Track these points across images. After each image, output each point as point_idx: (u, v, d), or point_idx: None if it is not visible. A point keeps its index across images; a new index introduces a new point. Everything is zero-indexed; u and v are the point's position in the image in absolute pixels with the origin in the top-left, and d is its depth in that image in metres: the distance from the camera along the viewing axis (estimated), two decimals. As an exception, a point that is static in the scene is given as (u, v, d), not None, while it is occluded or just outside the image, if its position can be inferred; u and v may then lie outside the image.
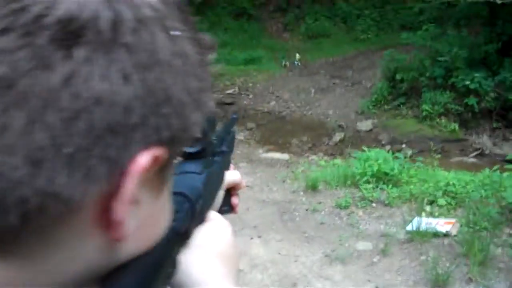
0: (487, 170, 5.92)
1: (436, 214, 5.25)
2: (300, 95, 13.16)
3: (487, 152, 8.97)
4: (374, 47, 15.23)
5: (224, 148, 0.90)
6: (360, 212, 5.48)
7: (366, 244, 4.80)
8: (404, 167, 6.29)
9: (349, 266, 4.45)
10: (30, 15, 0.35)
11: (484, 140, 9.34)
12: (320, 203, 5.78)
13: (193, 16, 0.46)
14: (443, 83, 10.00)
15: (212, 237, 0.70)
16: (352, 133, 10.45)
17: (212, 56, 0.51)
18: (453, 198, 5.50)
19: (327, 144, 9.95)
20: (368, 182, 5.97)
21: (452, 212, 5.32)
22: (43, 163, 0.35)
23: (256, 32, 18.50)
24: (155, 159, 0.40)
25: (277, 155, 8.88)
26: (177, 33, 0.41)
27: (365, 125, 10.77)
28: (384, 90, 10.99)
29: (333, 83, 13.42)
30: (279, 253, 4.74)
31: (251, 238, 5.04)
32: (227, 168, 0.97)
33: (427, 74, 10.16)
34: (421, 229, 4.80)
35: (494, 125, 9.70)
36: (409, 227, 4.94)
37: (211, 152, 0.83)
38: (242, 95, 13.93)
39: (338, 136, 10.22)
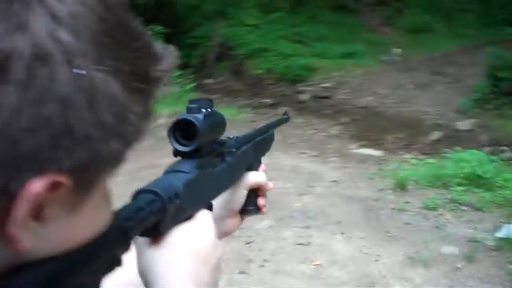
0: None
1: (531, 221, 4.99)
2: (398, 91, 12.86)
3: None
4: (477, 43, 14.60)
5: (234, 151, 0.91)
6: (448, 215, 5.29)
7: (451, 248, 4.63)
8: (500, 171, 6.00)
9: (432, 270, 4.32)
10: None
11: None
12: (407, 202, 5.64)
13: (133, 48, 0.48)
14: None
15: (189, 236, 0.71)
16: (450, 132, 10.08)
17: (167, 77, 0.53)
18: (551, 206, 5.20)
19: (423, 142, 9.65)
20: (459, 184, 5.75)
21: (549, 221, 5.03)
22: None
23: (355, 26, 18.25)
24: (54, 185, 0.42)
25: (369, 151, 8.72)
26: (82, 71, 0.42)
27: (464, 124, 10.36)
28: (486, 89, 10.51)
29: (433, 80, 13.00)
30: (361, 251, 4.68)
31: (334, 234, 5.00)
32: (246, 168, 0.99)
33: (534, 73, 9.62)
34: (512, 237, 4.59)
35: None
36: (499, 234, 4.72)
37: (216, 153, 0.85)
38: (338, 89, 13.81)
39: (435, 135, 9.90)
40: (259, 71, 15.71)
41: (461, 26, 16.64)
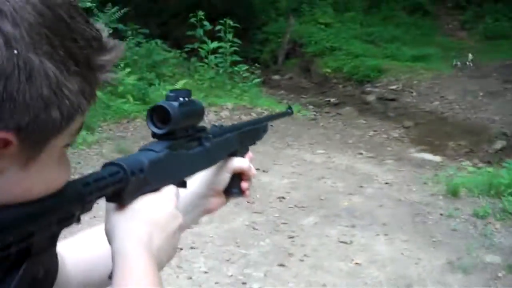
0: None
1: None
2: (467, 97, 12.56)
3: None
4: (554, 53, 14.04)
5: (210, 136, 1.03)
6: (498, 225, 5.21)
7: (495, 257, 4.57)
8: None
9: (471, 277, 4.29)
10: None
11: None
12: (457, 209, 5.58)
13: (71, 39, 0.62)
14: None
15: (149, 205, 0.82)
16: (515, 143, 9.82)
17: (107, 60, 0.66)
18: None
19: (486, 151, 9.42)
20: (513, 194, 5.65)
21: None
22: None
23: (429, 29, 17.90)
24: (2, 141, 0.57)
25: (428, 156, 8.62)
26: (16, 51, 0.56)
27: (532, 135, 10.04)
28: (559, 100, 10.13)
29: (505, 88, 12.59)
30: (402, 253, 4.70)
31: (377, 235, 5.04)
32: (231, 154, 1.12)
33: None
34: (561, 251, 4.48)
35: None
36: (547, 247, 4.63)
37: (192, 137, 0.97)
38: (406, 92, 13.62)
39: (499, 144, 9.63)
40: (327, 70, 15.70)
41: (540, 34, 16.04)
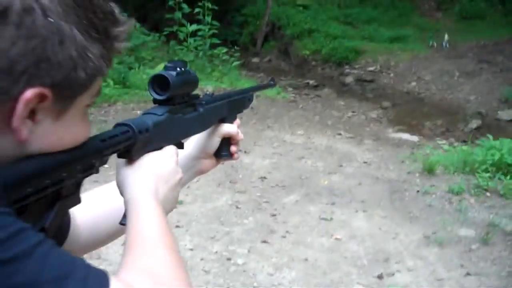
0: None
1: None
2: (443, 78, 12.78)
3: None
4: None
5: (204, 103, 1.15)
6: (472, 200, 5.41)
7: (469, 231, 4.77)
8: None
9: (446, 250, 4.48)
10: None
11: None
12: (432, 186, 5.77)
13: (93, 11, 0.74)
14: None
15: (155, 161, 0.95)
16: (491, 122, 10.05)
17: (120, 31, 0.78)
18: None
19: (462, 130, 9.66)
20: (486, 170, 5.84)
21: None
22: None
23: (406, 10, 18.07)
24: (40, 95, 0.69)
25: (406, 136, 8.82)
26: (51, 19, 0.68)
27: (507, 114, 10.28)
28: (532, 79, 10.38)
29: (480, 68, 12.83)
30: (380, 229, 4.87)
31: (356, 211, 5.20)
32: (220, 120, 1.24)
33: None
34: (532, 224, 4.68)
35: None
36: (519, 220, 4.83)
37: (188, 103, 1.09)
38: (383, 73, 13.81)
39: (475, 123, 9.87)
40: (306, 52, 15.80)
41: (515, 14, 16.30)
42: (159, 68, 10.98)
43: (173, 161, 0.99)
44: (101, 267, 0.68)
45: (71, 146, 0.78)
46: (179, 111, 1.06)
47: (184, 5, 11.06)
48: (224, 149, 1.28)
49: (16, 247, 0.60)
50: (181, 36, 11.26)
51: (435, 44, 15.01)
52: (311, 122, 8.88)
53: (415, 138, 8.59)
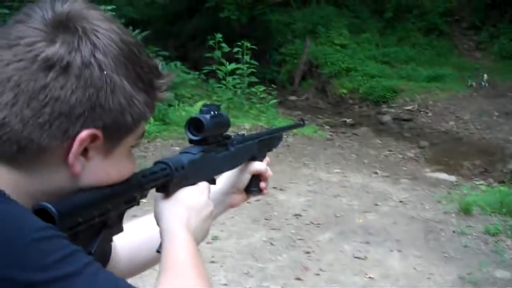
0: None
1: None
2: (482, 117, 12.69)
3: None
4: None
5: (235, 143, 1.26)
6: (509, 242, 5.35)
7: (505, 273, 4.71)
8: None
9: (481, 291, 4.44)
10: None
11: None
12: (469, 226, 5.73)
13: (139, 66, 0.86)
14: None
15: (188, 195, 1.05)
16: (531, 162, 9.91)
17: (161, 82, 0.90)
18: None
19: (501, 170, 9.52)
20: (524, 212, 5.79)
21: None
22: (27, 125, 0.77)
23: (444, 49, 18.03)
24: (93, 136, 0.81)
25: (443, 175, 8.75)
26: (105, 72, 0.80)
27: (547, 155, 10.14)
28: None
29: (520, 108, 12.72)
30: (414, 268, 4.85)
31: (391, 251, 5.20)
32: (251, 158, 1.35)
33: None
34: None
35: None
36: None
37: (221, 143, 1.20)
38: (421, 113, 13.77)
39: (514, 164, 9.74)
40: (343, 91, 15.90)
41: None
42: (198, 106, 11.18)
43: (205, 196, 1.09)
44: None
45: (117, 181, 0.90)
46: (212, 150, 1.17)
47: (224, 45, 11.31)
48: (254, 185, 1.38)
49: (70, 266, 0.71)
50: (220, 74, 11.49)
51: (474, 84, 14.92)
52: (347, 161, 8.91)
53: (452, 178, 8.51)
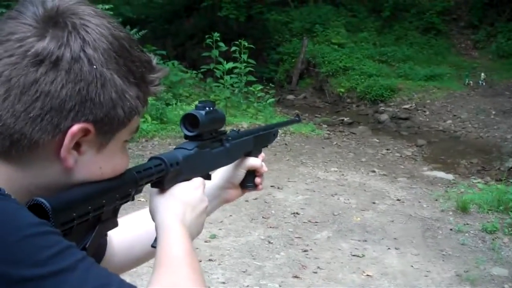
0: None
1: None
2: (479, 116, 12.71)
3: None
4: None
5: (230, 139, 1.27)
6: (506, 239, 5.36)
7: (502, 270, 4.73)
8: None
9: (478, 288, 4.46)
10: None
11: None
12: (466, 224, 5.75)
13: (130, 60, 0.86)
14: None
15: (183, 190, 1.06)
16: (528, 160, 9.93)
17: (154, 76, 0.91)
18: None
19: (498, 169, 9.55)
20: (521, 210, 5.80)
21: None
22: (19, 119, 0.78)
23: (442, 48, 18.06)
24: (84, 129, 0.81)
25: (441, 174, 8.77)
26: (95, 66, 0.81)
27: (544, 153, 10.16)
28: None
29: (517, 106, 12.74)
30: (412, 266, 4.86)
31: (388, 249, 5.21)
32: (246, 154, 1.36)
33: None
34: None
35: None
36: (554, 260, 4.77)
37: (216, 139, 1.21)
38: (419, 111, 13.79)
39: (511, 162, 9.76)
40: (341, 90, 15.91)
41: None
42: (195, 105, 11.20)
43: (200, 191, 1.10)
44: None
45: (110, 176, 0.90)
46: (207, 146, 1.18)
47: (221, 44, 11.32)
48: (249, 181, 1.39)
49: (63, 262, 0.72)
50: (218, 73, 11.50)
51: (471, 83, 14.96)
52: (345, 159, 8.93)
53: (450, 177, 8.54)
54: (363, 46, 18.10)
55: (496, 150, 10.63)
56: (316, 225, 5.74)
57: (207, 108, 1.13)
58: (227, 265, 4.72)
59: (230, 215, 5.74)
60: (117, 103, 0.84)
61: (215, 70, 11.53)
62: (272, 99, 12.21)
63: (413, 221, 5.95)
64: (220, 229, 5.36)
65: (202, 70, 12.37)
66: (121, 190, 0.93)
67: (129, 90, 0.86)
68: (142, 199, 5.06)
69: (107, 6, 8.95)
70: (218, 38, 11.33)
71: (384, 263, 4.93)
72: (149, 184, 1.03)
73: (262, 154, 1.44)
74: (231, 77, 11.60)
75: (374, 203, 6.55)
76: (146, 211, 1.12)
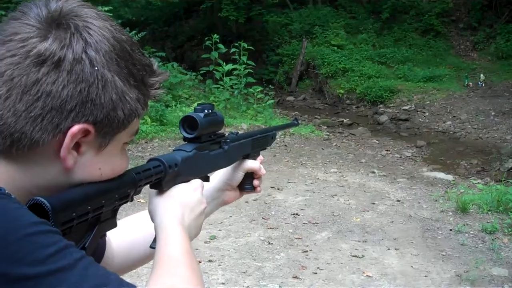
0: None
1: None
2: (479, 117, 12.74)
3: None
4: None
5: (229, 141, 1.27)
6: (505, 239, 5.36)
7: (502, 270, 4.72)
8: None
9: (478, 289, 4.45)
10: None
11: None
12: (466, 225, 5.75)
13: (131, 63, 0.87)
14: None
15: (182, 192, 1.06)
16: (528, 161, 9.94)
17: (155, 79, 0.92)
18: None
19: (498, 169, 9.56)
20: (521, 210, 5.80)
21: None
22: (20, 118, 0.78)
23: (441, 50, 18.11)
24: (84, 130, 0.82)
25: (440, 174, 8.77)
26: (96, 68, 0.82)
27: (544, 153, 10.17)
28: None
29: (516, 107, 12.76)
30: (412, 267, 4.86)
31: (388, 249, 5.21)
32: (244, 156, 1.36)
33: None
34: None
35: None
36: (554, 260, 4.77)
37: (214, 141, 1.21)
38: (418, 112, 13.82)
39: (511, 163, 9.75)
40: (341, 91, 15.95)
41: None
42: (194, 107, 11.19)
43: (199, 193, 1.10)
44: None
45: (110, 177, 0.90)
46: (206, 148, 1.18)
47: (221, 45, 11.33)
48: (247, 183, 1.40)
49: (62, 260, 0.72)
50: (217, 75, 11.51)
51: (470, 84, 14.99)
52: (344, 160, 8.93)
53: (449, 177, 8.54)
54: (363, 47, 18.14)
55: (496, 150, 10.64)
56: (316, 225, 5.74)
57: (206, 111, 1.14)
58: (227, 266, 4.72)
59: (230, 216, 5.74)
60: (117, 104, 0.85)
61: (214, 71, 11.54)
62: (272, 101, 12.23)
63: (413, 222, 5.94)
64: (220, 230, 5.36)
65: (201, 71, 12.39)
66: (120, 190, 0.93)
67: (129, 92, 0.86)
68: (141, 201, 5.08)
69: (106, 8, 8.97)
70: (218, 40, 11.35)
71: (384, 264, 4.93)
72: (148, 186, 1.03)
73: (261, 157, 1.45)
74: (230, 79, 11.62)
75: (373, 203, 6.55)
76: (145, 213, 1.13)
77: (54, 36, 0.80)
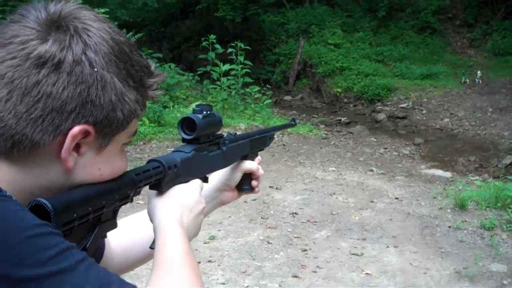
0: None
1: None
2: (476, 114, 12.76)
3: None
4: None
5: (227, 142, 1.28)
6: (504, 235, 5.38)
7: (500, 266, 4.74)
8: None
9: (477, 285, 4.46)
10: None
11: None
12: (464, 221, 5.76)
13: (130, 64, 0.88)
14: None
15: (181, 192, 1.08)
16: (526, 157, 9.96)
17: (153, 80, 0.93)
18: None
19: (496, 166, 9.58)
20: (519, 206, 5.82)
21: None
22: (20, 120, 0.79)
23: (438, 47, 18.11)
24: (84, 131, 0.83)
25: (438, 172, 8.78)
26: (96, 69, 0.83)
27: (541, 149, 10.19)
28: None
29: (513, 104, 12.78)
30: (411, 264, 4.88)
31: (387, 247, 5.22)
32: (242, 157, 1.38)
33: None
34: None
35: None
36: (552, 256, 4.78)
37: (213, 142, 1.22)
38: (416, 110, 13.83)
39: (509, 159, 9.77)
40: (338, 90, 15.95)
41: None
42: (192, 107, 11.22)
43: (197, 193, 1.11)
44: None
45: (109, 178, 0.92)
46: (205, 149, 1.19)
47: (217, 46, 11.33)
48: (246, 183, 1.41)
49: (64, 262, 0.73)
50: (214, 75, 11.51)
51: (467, 81, 15.00)
52: (342, 159, 8.95)
53: (448, 174, 8.55)
54: (359, 46, 18.14)
55: (493, 147, 10.67)
56: (315, 224, 5.75)
57: (204, 112, 1.15)
58: (226, 266, 4.73)
59: (229, 216, 5.76)
60: (117, 105, 0.86)
61: (211, 72, 11.54)
62: (269, 100, 12.24)
63: (411, 219, 5.96)
64: (219, 230, 5.37)
65: (198, 72, 12.38)
66: (120, 191, 0.94)
67: (128, 93, 0.87)
68: (140, 202, 5.09)
69: (103, 10, 8.98)
70: (214, 40, 11.34)
71: (383, 261, 4.94)
72: (148, 186, 1.04)
73: (259, 157, 1.46)
74: (227, 79, 11.62)
75: (372, 201, 6.56)
76: (144, 213, 1.14)
77: (53, 38, 0.81)
